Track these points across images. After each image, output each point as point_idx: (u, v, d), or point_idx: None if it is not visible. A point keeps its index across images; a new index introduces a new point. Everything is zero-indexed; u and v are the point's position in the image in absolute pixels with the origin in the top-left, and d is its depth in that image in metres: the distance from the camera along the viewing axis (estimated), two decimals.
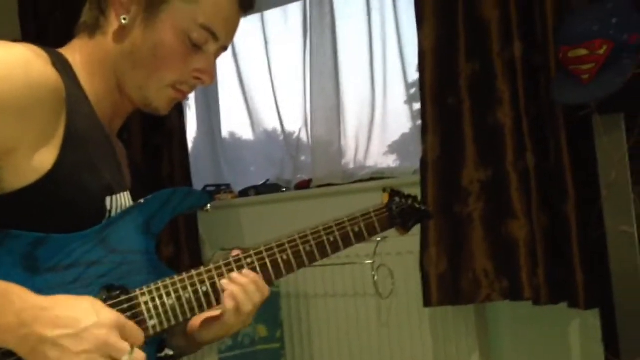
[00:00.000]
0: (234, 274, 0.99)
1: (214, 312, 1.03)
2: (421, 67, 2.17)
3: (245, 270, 1.00)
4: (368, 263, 2.37)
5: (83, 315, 0.81)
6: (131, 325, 0.86)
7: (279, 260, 1.02)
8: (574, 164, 1.95)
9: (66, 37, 1.07)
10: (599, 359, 1.88)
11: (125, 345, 0.82)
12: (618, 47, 1.72)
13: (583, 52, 1.76)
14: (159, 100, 1.04)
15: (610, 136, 1.76)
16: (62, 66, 0.97)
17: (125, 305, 0.90)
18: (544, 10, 1.98)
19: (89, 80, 1.01)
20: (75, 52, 1.03)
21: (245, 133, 3.06)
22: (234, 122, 3.06)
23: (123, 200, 0.99)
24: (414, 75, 2.48)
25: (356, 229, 1.09)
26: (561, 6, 1.95)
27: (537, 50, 2.03)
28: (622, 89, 1.72)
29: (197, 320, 1.06)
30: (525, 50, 2.03)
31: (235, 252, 1.02)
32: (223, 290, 0.98)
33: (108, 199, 0.96)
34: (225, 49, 1.07)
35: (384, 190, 1.18)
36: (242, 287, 0.98)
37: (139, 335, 0.86)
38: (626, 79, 1.72)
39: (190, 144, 2.96)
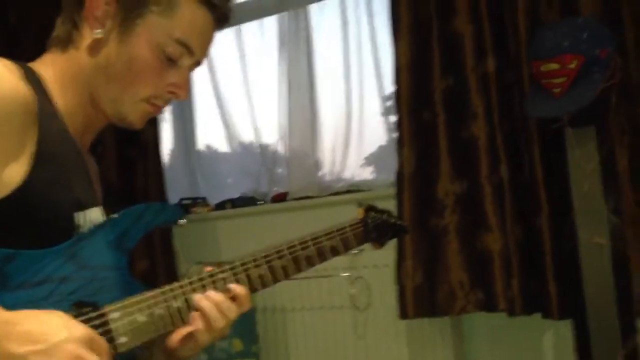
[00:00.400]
0: (210, 292, 0.98)
1: (191, 328, 1.01)
2: (397, 82, 2.19)
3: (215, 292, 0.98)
4: (344, 276, 2.36)
5: (53, 330, 0.80)
6: (100, 339, 0.84)
7: (255, 275, 1.01)
8: (547, 177, 1.98)
9: (38, 50, 1.05)
10: None
11: (96, 359, 0.81)
12: (589, 62, 1.75)
13: (555, 66, 1.79)
14: (134, 114, 1.03)
15: (582, 149, 1.79)
16: (34, 80, 0.96)
17: (96, 322, 0.89)
18: (516, 25, 2.01)
19: (60, 95, 1.00)
20: (47, 67, 1.01)
21: (221, 146, 3.05)
22: (210, 135, 3.05)
23: (93, 215, 0.97)
24: (389, 88, 2.50)
25: (332, 244, 1.09)
26: (533, 21, 1.98)
27: (510, 65, 2.06)
28: (592, 103, 1.75)
29: (175, 336, 1.04)
30: (499, 65, 2.06)
31: (208, 268, 1.01)
32: (195, 308, 0.97)
33: (78, 215, 0.95)
34: (199, 63, 1.06)
35: (360, 204, 1.18)
36: (214, 304, 0.97)
37: (108, 349, 0.85)
38: (597, 92, 1.75)
39: (165, 157, 2.94)
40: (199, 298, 0.97)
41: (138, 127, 1.05)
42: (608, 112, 1.80)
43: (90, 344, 0.82)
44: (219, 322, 0.97)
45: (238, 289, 0.99)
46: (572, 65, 1.77)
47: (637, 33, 1.90)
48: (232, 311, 0.98)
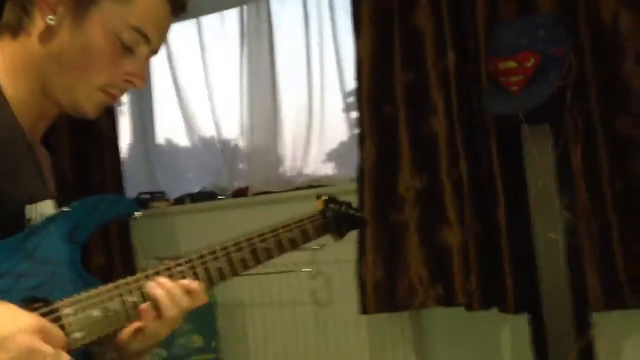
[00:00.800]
0: (163, 279, 0.96)
1: (142, 318, 0.99)
2: (358, 75, 2.20)
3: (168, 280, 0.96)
4: (306, 271, 2.36)
5: (4, 323, 0.78)
6: (52, 327, 0.82)
7: (211, 268, 1.00)
8: (504, 173, 2.01)
9: None
10: None
11: (49, 348, 0.79)
12: (545, 60, 1.78)
13: (512, 64, 1.82)
14: (88, 103, 1.00)
15: (538, 145, 1.82)
16: None
17: (48, 318, 0.86)
18: (474, 21, 2.03)
19: (10, 84, 0.97)
20: None
21: (181, 140, 3.01)
22: (169, 129, 3.01)
23: (45, 208, 0.95)
24: (351, 84, 2.51)
25: (290, 236, 1.08)
26: (492, 17, 2.01)
27: (469, 61, 2.08)
28: (548, 100, 1.78)
29: (125, 331, 1.02)
30: (458, 60, 2.08)
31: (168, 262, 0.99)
32: (148, 297, 0.95)
33: (28, 207, 0.92)
34: (155, 52, 1.04)
35: (318, 197, 1.18)
36: (166, 291, 0.95)
37: (61, 337, 0.83)
38: (553, 90, 1.78)
39: (124, 151, 2.89)
40: (150, 286, 0.95)
41: (92, 117, 1.03)
42: (563, 110, 1.83)
43: (42, 334, 0.80)
44: (170, 311, 0.95)
45: (192, 284, 0.97)
46: (529, 64, 1.80)
47: (592, 32, 1.94)
48: (184, 302, 0.97)
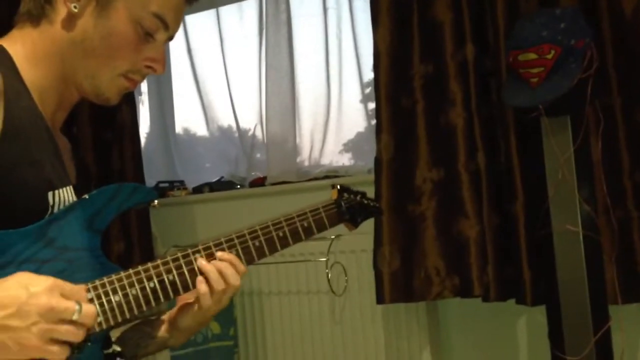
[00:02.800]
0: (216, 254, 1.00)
1: (189, 298, 1.02)
2: (376, 68, 2.19)
3: (222, 253, 1.00)
4: (322, 261, 2.38)
5: (17, 290, 0.79)
6: (68, 285, 0.83)
7: None
8: (522, 165, 2.00)
9: (7, 27, 1.04)
10: (545, 354, 1.93)
11: (71, 304, 0.80)
12: (566, 52, 1.77)
13: (532, 56, 1.80)
14: (111, 90, 1.03)
15: (557, 138, 1.81)
16: (1, 57, 0.95)
17: None
18: (495, 14, 2.02)
19: (30, 72, 0.99)
20: (15, 43, 1.00)
21: (200, 129, 3.03)
22: (188, 119, 3.03)
23: (66, 195, 0.96)
24: (369, 74, 2.50)
25: (305, 224, 1.09)
26: (512, 10, 1.99)
27: (489, 54, 2.07)
28: (568, 93, 1.77)
29: (175, 309, 1.06)
30: (478, 53, 2.07)
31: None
32: (200, 272, 0.99)
33: (50, 194, 0.94)
34: (171, 38, 1.07)
35: (333, 186, 1.19)
36: (215, 266, 0.99)
37: (80, 291, 0.84)
38: (573, 83, 1.77)
39: (143, 140, 2.92)
40: (200, 261, 0.99)
41: (114, 103, 1.05)
42: (584, 103, 1.82)
43: (59, 291, 0.81)
44: (219, 285, 0.99)
45: (235, 259, 1.01)
46: (550, 56, 1.78)
47: (613, 24, 1.92)
48: (231, 277, 1.00)
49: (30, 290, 0.79)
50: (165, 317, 1.08)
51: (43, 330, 0.78)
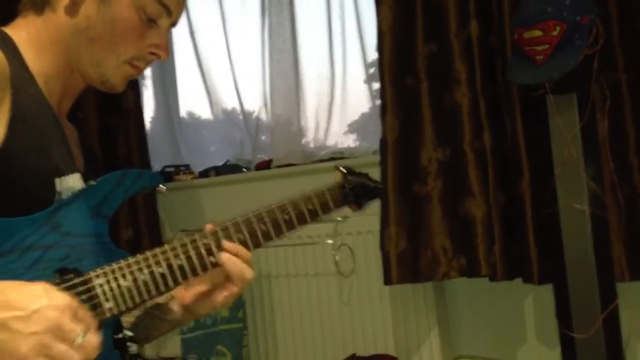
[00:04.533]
0: (229, 249, 1.00)
1: (203, 287, 1.03)
2: (380, 48, 2.18)
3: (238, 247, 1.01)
4: (329, 243, 2.38)
5: (34, 298, 0.79)
6: (83, 310, 0.84)
7: (235, 240, 1.02)
8: (528, 144, 1.99)
9: (11, 15, 1.03)
10: (552, 332, 1.94)
11: (78, 328, 0.81)
12: (571, 29, 1.75)
13: (537, 33, 1.78)
14: (116, 77, 1.03)
15: (563, 116, 1.80)
16: (6, 45, 0.95)
17: (80, 288, 0.89)
18: None
19: (36, 59, 0.99)
20: (20, 31, 1.00)
21: (204, 113, 3.03)
22: (192, 102, 3.03)
23: (73, 182, 0.97)
24: (373, 54, 2.49)
25: (310, 207, 1.09)
26: None
27: (493, 31, 2.05)
28: (574, 70, 1.75)
29: (191, 292, 1.06)
30: (482, 31, 2.05)
31: (209, 227, 1.03)
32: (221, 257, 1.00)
33: (57, 181, 0.94)
34: (175, 24, 1.07)
35: (337, 168, 1.19)
36: (230, 257, 1.00)
37: (90, 318, 0.85)
38: (579, 59, 1.75)
39: (147, 125, 2.92)
40: (226, 256, 1.00)
41: (119, 90, 1.05)
42: (590, 80, 1.80)
43: (72, 313, 0.81)
44: (244, 283, 1.01)
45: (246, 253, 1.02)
46: (555, 32, 1.76)
47: None
48: (248, 274, 1.02)
49: (46, 302, 0.79)
50: (176, 300, 1.08)
51: (40, 343, 0.78)
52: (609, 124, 1.89)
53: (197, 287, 1.02)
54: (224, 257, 1.00)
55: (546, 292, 2.00)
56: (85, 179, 0.99)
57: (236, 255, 1.00)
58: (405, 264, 2.14)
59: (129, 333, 1.07)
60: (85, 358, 0.81)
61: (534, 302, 2.25)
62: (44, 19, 1.00)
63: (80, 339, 0.80)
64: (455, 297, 2.36)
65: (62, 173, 0.95)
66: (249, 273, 1.01)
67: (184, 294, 1.04)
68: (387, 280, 2.17)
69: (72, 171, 0.98)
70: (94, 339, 0.82)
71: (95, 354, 0.83)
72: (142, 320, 1.08)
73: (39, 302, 0.79)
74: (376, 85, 2.43)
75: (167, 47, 1.05)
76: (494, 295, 2.26)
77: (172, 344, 2.68)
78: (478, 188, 2.07)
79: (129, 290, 0.92)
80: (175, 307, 1.08)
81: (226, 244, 1.00)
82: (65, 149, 1.00)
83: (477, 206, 2.07)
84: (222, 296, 1.02)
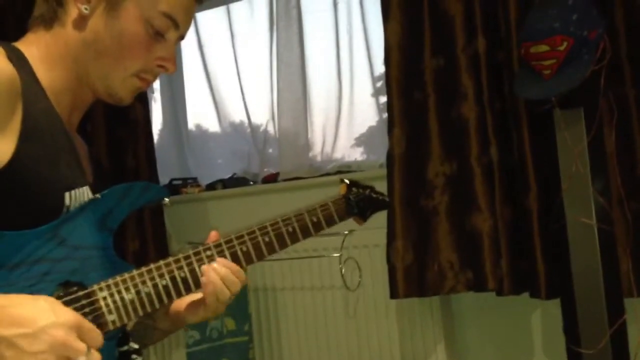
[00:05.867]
0: (216, 264, 1.00)
1: (197, 296, 1.04)
2: (387, 62, 2.19)
3: (224, 260, 1.01)
4: (335, 256, 2.38)
5: (40, 314, 0.79)
6: (89, 325, 0.84)
7: (239, 252, 1.02)
8: (536, 158, 1.98)
9: (23, 30, 1.05)
10: (560, 348, 1.92)
11: (83, 346, 0.81)
12: (578, 43, 1.75)
13: (544, 48, 1.78)
14: (124, 90, 1.04)
15: (571, 130, 1.80)
16: (18, 60, 0.96)
17: (84, 301, 0.89)
18: (506, 6, 2.00)
19: (46, 74, 1.00)
20: (30, 46, 1.01)
21: (212, 126, 3.04)
22: (200, 115, 3.04)
23: (82, 195, 0.97)
24: (380, 68, 2.50)
25: (314, 219, 1.09)
26: (523, 2, 1.98)
27: (501, 46, 2.05)
28: (581, 84, 1.75)
29: (181, 303, 1.07)
30: (489, 45, 2.05)
31: (213, 234, 1.03)
32: (202, 276, 1.00)
33: (67, 194, 0.95)
34: (182, 37, 1.07)
35: (342, 181, 1.19)
36: (221, 277, 1.00)
37: (96, 336, 0.84)
38: (586, 74, 1.75)
39: (155, 137, 2.93)
40: (206, 269, 1.00)
41: (127, 103, 1.06)
42: (597, 94, 1.80)
43: (78, 330, 0.81)
44: (225, 294, 1.01)
45: (232, 265, 1.02)
46: (562, 47, 1.76)
47: (625, 13, 1.90)
48: (235, 285, 1.01)
49: (52, 320, 0.79)
50: (167, 310, 1.09)
51: None
52: (616, 138, 1.89)
53: (191, 296, 1.03)
54: (205, 270, 1.00)
55: (553, 307, 1.99)
56: (94, 192, 1.00)
57: (217, 272, 1.00)
58: (412, 277, 2.14)
59: (135, 346, 1.08)
60: None
61: (541, 317, 2.24)
62: (53, 34, 1.01)
63: (83, 357, 0.80)
64: (461, 311, 2.35)
65: (71, 187, 0.96)
66: (224, 295, 1.01)
67: (177, 302, 1.05)
68: (394, 294, 2.16)
69: (82, 184, 0.99)
70: (96, 357, 0.82)
71: None
72: (136, 330, 1.08)
73: (45, 319, 0.79)
74: (383, 99, 2.44)
75: (174, 60, 1.06)
76: (501, 309, 2.25)
77: (178, 357, 2.68)
78: (485, 202, 2.06)
79: (132, 302, 0.93)
80: (163, 315, 1.08)
81: (214, 264, 1.00)
82: (75, 162, 1.01)
83: (484, 220, 2.06)
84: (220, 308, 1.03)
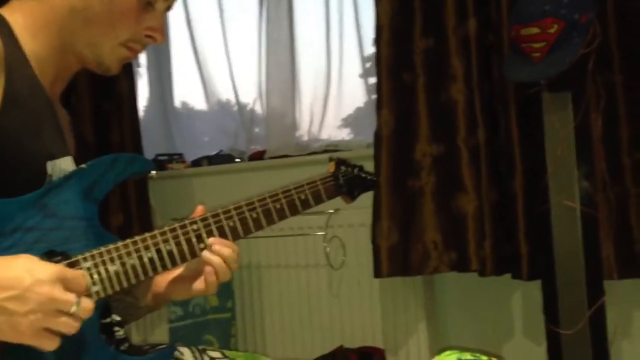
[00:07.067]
0: (217, 245, 0.99)
1: (178, 271, 1.04)
2: (377, 42, 2.17)
3: (222, 240, 1.00)
4: (320, 234, 2.38)
5: (23, 273, 0.79)
6: (72, 273, 0.84)
7: (225, 227, 1.02)
8: (522, 141, 1.99)
9: None
10: (539, 328, 1.95)
11: (71, 297, 0.81)
12: (569, 27, 1.75)
13: (535, 30, 1.78)
14: (112, 59, 1.03)
15: (558, 113, 1.80)
16: (1, 27, 0.94)
17: None
18: None
19: (30, 41, 0.98)
20: (14, 12, 0.99)
21: (199, 103, 3.02)
22: (186, 92, 3.01)
23: (65, 165, 0.96)
24: (370, 48, 2.48)
25: (302, 197, 1.09)
26: None
27: (491, 28, 2.05)
28: (570, 68, 1.75)
29: (164, 279, 1.06)
30: (479, 27, 2.05)
31: (199, 209, 1.02)
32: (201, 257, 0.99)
33: (49, 164, 0.94)
34: (170, 8, 1.06)
35: (331, 159, 1.19)
36: (224, 258, 1.00)
37: (82, 281, 0.85)
38: (575, 58, 1.75)
39: (141, 112, 2.90)
40: (208, 255, 0.99)
41: (114, 73, 1.05)
42: (585, 78, 1.81)
43: (63, 281, 0.81)
44: (226, 275, 1.01)
45: (233, 245, 1.01)
46: (552, 30, 1.76)
47: None
48: (234, 265, 1.01)
49: (35, 277, 0.79)
50: (148, 287, 1.08)
51: (38, 319, 0.79)
52: (602, 123, 1.90)
53: (173, 272, 1.02)
54: (207, 255, 0.99)
55: (534, 288, 2.01)
56: (77, 163, 0.99)
57: (219, 253, 0.99)
58: (396, 257, 2.15)
59: (117, 317, 1.07)
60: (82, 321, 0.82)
61: (522, 298, 2.27)
62: (40, 1, 0.99)
63: (74, 307, 0.81)
64: (444, 291, 2.37)
65: (53, 155, 0.95)
66: (226, 276, 1.01)
67: (159, 279, 1.04)
68: (377, 273, 2.17)
69: (64, 154, 0.98)
70: (87, 304, 0.83)
71: (91, 314, 0.83)
72: (116, 307, 1.08)
73: (29, 277, 0.79)
74: (372, 80, 2.43)
75: (163, 30, 1.05)
76: (483, 290, 2.27)
77: (160, 332, 2.69)
78: (471, 184, 2.07)
79: (117, 274, 0.92)
80: (145, 291, 1.08)
81: (210, 240, 0.99)
82: (58, 131, 1.00)
83: (470, 202, 2.08)
84: (200, 284, 1.02)
